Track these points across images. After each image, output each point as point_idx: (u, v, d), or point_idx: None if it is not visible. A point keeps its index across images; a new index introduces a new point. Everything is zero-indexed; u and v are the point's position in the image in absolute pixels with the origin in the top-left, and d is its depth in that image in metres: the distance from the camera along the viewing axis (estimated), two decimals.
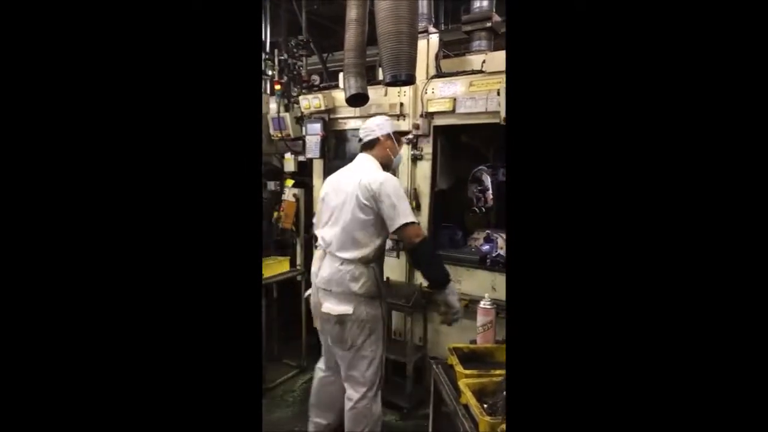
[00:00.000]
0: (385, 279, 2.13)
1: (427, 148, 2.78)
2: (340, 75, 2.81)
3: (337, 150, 3.23)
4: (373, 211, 1.84)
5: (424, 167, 2.81)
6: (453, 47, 3.19)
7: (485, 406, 1.29)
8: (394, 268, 2.86)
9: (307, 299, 2.13)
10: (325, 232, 1.99)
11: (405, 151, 2.83)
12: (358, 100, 2.62)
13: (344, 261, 1.90)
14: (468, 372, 1.48)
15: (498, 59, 2.47)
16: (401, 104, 2.83)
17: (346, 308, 1.88)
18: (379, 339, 1.97)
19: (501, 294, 2.20)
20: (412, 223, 1.83)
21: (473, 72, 2.62)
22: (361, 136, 2.06)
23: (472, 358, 1.64)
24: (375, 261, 1.95)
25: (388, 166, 2.07)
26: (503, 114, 2.24)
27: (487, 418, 1.20)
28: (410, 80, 2.33)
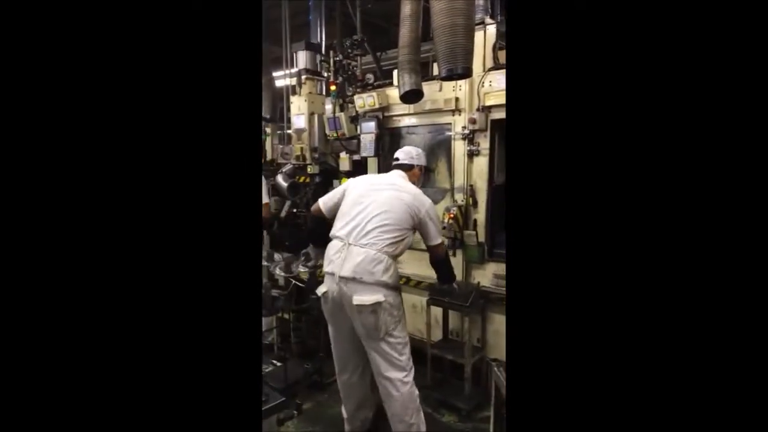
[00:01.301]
0: None
1: (484, 143, 2.71)
2: (395, 72, 2.80)
3: (392, 147, 3.22)
4: (413, 222, 2.13)
5: (481, 163, 2.73)
6: None
7: None
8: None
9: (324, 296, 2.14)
10: (350, 224, 2.10)
11: (461, 147, 2.79)
12: (412, 96, 2.60)
13: (379, 251, 2.02)
14: None
15: None
16: (457, 99, 2.77)
17: (378, 296, 2.00)
18: (405, 325, 2.18)
19: None
20: (442, 242, 2.28)
21: None
22: (402, 158, 2.37)
23: None
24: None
25: None
26: None
27: None
28: (466, 73, 2.27)
